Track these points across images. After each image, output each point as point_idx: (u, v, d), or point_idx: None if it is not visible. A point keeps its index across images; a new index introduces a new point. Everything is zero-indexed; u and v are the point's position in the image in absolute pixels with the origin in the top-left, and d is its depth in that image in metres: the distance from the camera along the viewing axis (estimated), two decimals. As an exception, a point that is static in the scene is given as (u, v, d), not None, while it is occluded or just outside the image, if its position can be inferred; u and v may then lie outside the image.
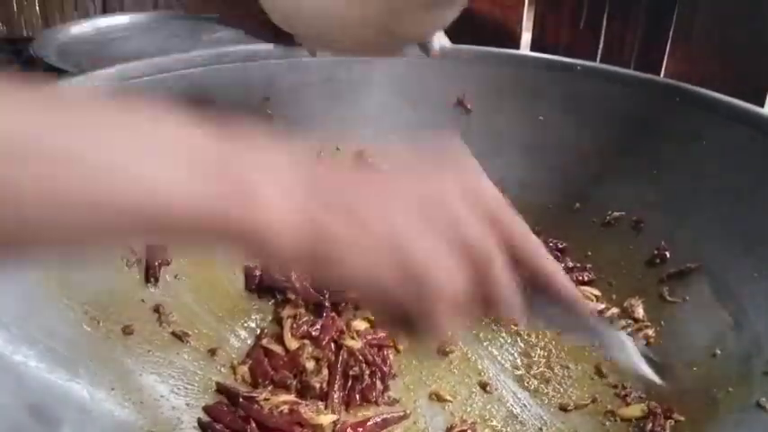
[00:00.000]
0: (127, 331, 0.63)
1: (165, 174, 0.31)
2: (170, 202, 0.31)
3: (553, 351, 0.69)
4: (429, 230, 0.36)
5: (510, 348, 0.69)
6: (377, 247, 0.35)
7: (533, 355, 0.68)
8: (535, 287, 0.41)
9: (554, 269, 0.41)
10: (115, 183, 0.30)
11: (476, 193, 0.39)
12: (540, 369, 0.67)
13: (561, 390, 0.64)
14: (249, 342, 0.68)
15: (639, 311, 0.69)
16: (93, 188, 0.30)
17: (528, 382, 0.65)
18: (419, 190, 0.38)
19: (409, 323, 0.37)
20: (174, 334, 0.66)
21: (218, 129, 0.34)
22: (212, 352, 0.66)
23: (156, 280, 0.68)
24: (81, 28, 1.22)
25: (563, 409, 0.62)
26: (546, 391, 0.65)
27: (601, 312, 0.69)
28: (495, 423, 0.61)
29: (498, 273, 0.38)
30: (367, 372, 0.64)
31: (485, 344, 0.70)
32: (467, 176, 0.40)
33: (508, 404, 0.63)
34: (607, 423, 0.61)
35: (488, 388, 0.65)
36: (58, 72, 1.00)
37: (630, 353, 0.46)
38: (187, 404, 0.61)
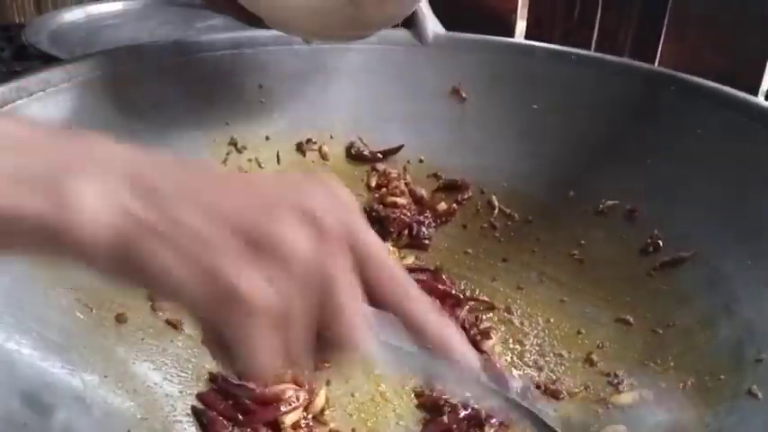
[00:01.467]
0: (120, 319, 0.63)
1: None
2: None
3: (546, 339, 0.69)
4: (255, 245, 0.31)
5: (503, 336, 0.69)
6: (190, 251, 0.31)
7: (526, 343, 0.68)
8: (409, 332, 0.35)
9: (423, 311, 0.36)
10: None
11: (336, 214, 0.33)
12: (533, 357, 0.67)
13: (554, 377, 0.65)
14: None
15: None
16: None
17: (520, 370, 0.66)
18: (263, 194, 0.33)
19: (225, 347, 0.33)
20: (167, 322, 0.65)
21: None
22: (206, 340, 0.66)
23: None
24: (74, 15, 1.21)
25: (555, 396, 0.63)
26: (539, 378, 0.65)
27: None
28: (488, 411, 0.62)
29: (341, 302, 0.33)
30: None
31: (478, 332, 0.70)
32: (331, 195, 0.34)
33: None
34: (600, 410, 0.61)
35: (481, 376, 0.65)
36: (50, 59, 1.00)
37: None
38: (180, 392, 0.60)
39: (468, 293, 0.74)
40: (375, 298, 0.35)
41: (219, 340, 0.33)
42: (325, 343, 0.34)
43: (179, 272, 0.31)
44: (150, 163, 0.32)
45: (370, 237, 0.35)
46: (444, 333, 0.36)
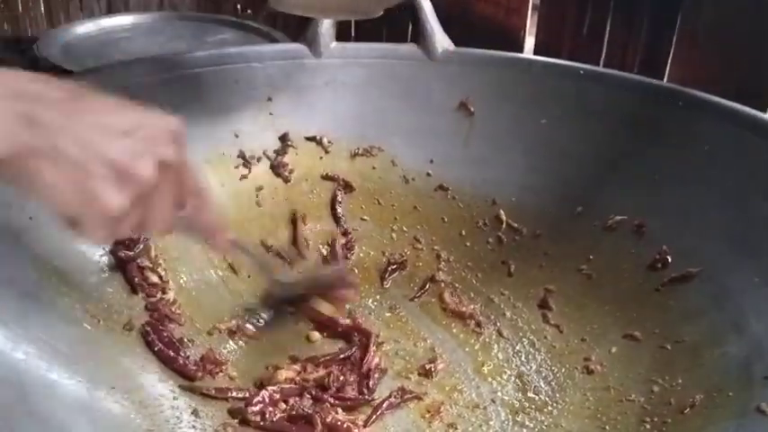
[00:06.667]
0: (128, 330, 0.63)
1: None
2: None
3: (553, 354, 0.69)
4: (116, 171, 0.42)
5: (509, 351, 0.69)
6: (67, 171, 0.42)
7: (533, 358, 0.68)
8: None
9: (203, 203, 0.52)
10: None
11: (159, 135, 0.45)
12: (541, 372, 0.67)
13: (560, 393, 0.64)
14: (242, 344, 0.69)
15: None
16: None
17: (528, 385, 0.65)
18: (115, 118, 0.44)
19: (75, 222, 0.44)
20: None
21: None
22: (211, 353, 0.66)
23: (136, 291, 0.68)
24: (85, 28, 1.22)
25: (561, 415, 0.62)
26: (544, 400, 0.64)
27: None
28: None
29: (158, 197, 0.46)
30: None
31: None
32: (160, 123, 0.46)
33: (502, 417, 0.63)
34: (607, 427, 0.61)
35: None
36: (62, 71, 1.00)
37: None
38: (187, 404, 0.60)
39: (472, 307, 0.74)
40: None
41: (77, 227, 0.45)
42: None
43: (58, 184, 0.42)
44: (39, 94, 0.42)
45: (189, 165, 0.49)
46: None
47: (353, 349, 0.68)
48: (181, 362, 0.63)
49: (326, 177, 0.83)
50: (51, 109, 0.42)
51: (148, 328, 0.64)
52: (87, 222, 0.44)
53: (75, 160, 0.42)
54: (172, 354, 0.63)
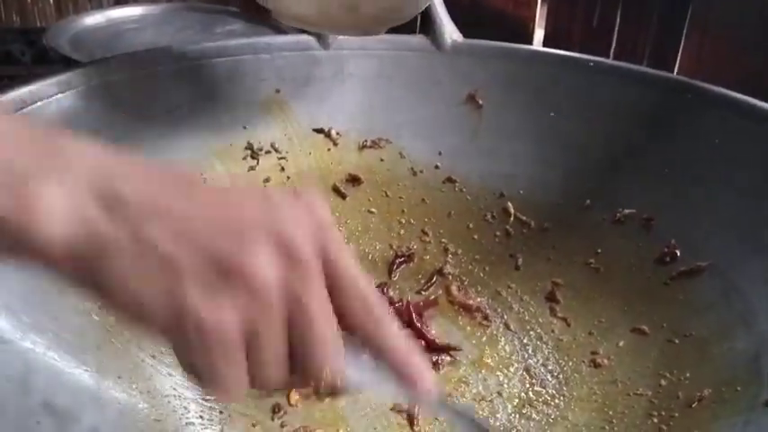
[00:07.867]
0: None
1: None
2: None
3: (560, 348, 0.69)
4: (224, 274, 0.30)
5: (516, 345, 0.69)
6: (154, 273, 0.30)
7: (539, 351, 0.68)
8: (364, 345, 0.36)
9: (390, 339, 0.35)
10: None
11: (317, 234, 0.33)
12: (548, 366, 0.67)
13: (567, 387, 0.64)
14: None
15: None
16: None
17: (534, 378, 0.65)
18: (242, 211, 0.32)
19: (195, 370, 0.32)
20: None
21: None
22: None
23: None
24: (94, 19, 1.22)
25: (568, 408, 0.62)
26: (551, 393, 0.64)
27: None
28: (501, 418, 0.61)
29: (312, 329, 0.32)
30: None
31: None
32: (312, 216, 0.33)
33: (509, 409, 0.63)
34: (614, 421, 0.61)
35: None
36: (70, 62, 1.01)
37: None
38: (194, 394, 0.61)
39: (479, 300, 0.74)
40: (345, 322, 0.35)
41: (184, 356, 0.32)
42: (298, 366, 0.34)
43: (140, 293, 0.30)
44: (122, 170, 0.31)
45: (343, 260, 0.34)
46: (407, 362, 0.36)
47: None
48: None
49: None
50: (135, 182, 0.30)
51: None
52: (196, 356, 0.31)
53: (165, 254, 0.29)
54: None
